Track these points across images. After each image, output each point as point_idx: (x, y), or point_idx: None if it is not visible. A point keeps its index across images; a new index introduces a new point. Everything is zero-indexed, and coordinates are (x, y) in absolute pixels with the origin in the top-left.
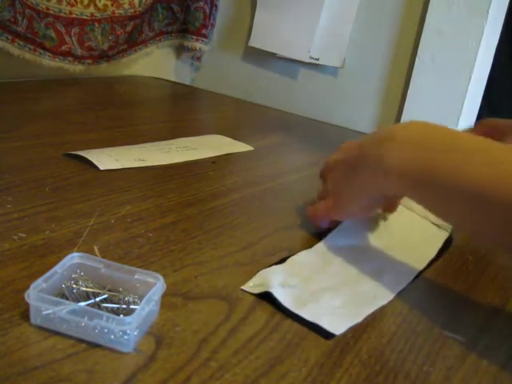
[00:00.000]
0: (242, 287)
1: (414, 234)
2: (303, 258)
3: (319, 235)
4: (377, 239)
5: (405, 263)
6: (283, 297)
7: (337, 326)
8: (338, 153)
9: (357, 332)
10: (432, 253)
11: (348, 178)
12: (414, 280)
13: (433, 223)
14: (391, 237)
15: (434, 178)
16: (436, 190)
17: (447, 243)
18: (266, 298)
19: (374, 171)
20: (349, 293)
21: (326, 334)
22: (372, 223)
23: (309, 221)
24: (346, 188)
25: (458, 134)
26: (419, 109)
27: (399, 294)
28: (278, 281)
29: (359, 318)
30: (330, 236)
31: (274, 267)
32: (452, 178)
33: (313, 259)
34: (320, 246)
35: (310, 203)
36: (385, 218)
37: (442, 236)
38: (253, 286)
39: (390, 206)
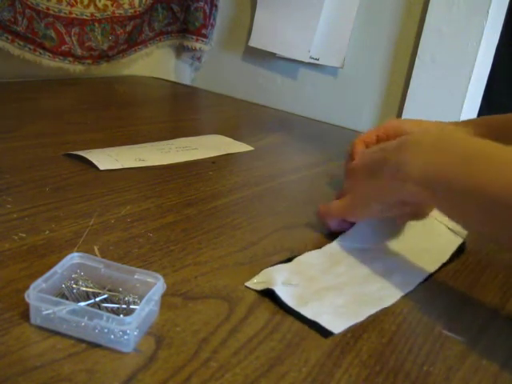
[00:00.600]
0: (246, 284)
1: (428, 238)
2: (310, 258)
3: (320, 235)
4: (390, 242)
5: (414, 266)
6: (285, 295)
7: (336, 324)
8: (361, 157)
9: (357, 332)
10: (443, 258)
11: (367, 181)
12: (422, 282)
13: (449, 228)
14: (405, 240)
15: (452, 186)
16: (453, 197)
17: (460, 249)
18: (269, 295)
19: (393, 176)
20: (353, 293)
21: (325, 332)
22: (386, 227)
23: (309, 221)
24: (363, 190)
25: (473, 140)
26: (419, 109)
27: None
28: (282, 279)
29: (360, 318)
30: (341, 237)
31: (279, 266)
32: (468, 184)
33: (320, 260)
34: (330, 247)
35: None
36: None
37: (457, 242)
38: (256, 282)
39: (418, 214)
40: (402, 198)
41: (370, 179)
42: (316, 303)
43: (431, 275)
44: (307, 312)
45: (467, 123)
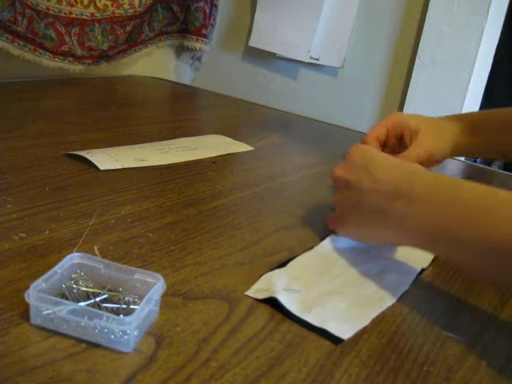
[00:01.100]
0: (246, 292)
1: None
2: (305, 260)
3: (320, 235)
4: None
5: (407, 263)
6: (289, 302)
7: (344, 330)
8: (343, 166)
9: (357, 332)
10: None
11: (356, 213)
12: (416, 279)
13: None
14: None
15: (450, 236)
16: (451, 246)
17: None
18: (271, 303)
19: (389, 227)
20: (353, 296)
21: (335, 340)
22: None
23: (308, 221)
24: (355, 224)
25: (466, 186)
26: (419, 109)
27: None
28: (282, 285)
29: (366, 322)
30: (332, 237)
31: (276, 271)
32: (467, 234)
33: (314, 262)
34: (322, 247)
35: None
36: None
37: None
38: (257, 291)
39: None
40: (398, 245)
41: (361, 213)
42: (319, 309)
43: (422, 271)
44: (313, 320)
45: (459, 118)
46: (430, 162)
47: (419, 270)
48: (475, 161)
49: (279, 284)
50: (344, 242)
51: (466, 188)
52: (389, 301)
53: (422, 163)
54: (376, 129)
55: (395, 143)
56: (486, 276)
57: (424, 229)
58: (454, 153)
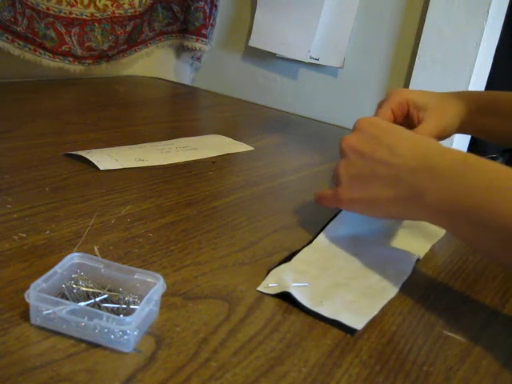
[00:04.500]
0: (258, 288)
1: (412, 223)
2: (307, 256)
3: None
4: (377, 227)
5: (404, 251)
6: (300, 296)
7: (356, 321)
8: (355, 135)
9: (357, 332)
10: (429, 244)
11: (368, 185)
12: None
13: None
14: (392, 223)
15: (471, 215)
16: (471, 226)
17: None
18: (283, 296)
19: (406, 201)
20: (358, 287)
21: (349, 330)
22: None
23: (308, 221)
24: (365, 196)
25: (490, 167)
26: None
27: (400, 293)
28: (291, 280)
29: (374, 312)
30: (330, 226)
31: (283, 266)
32: (488, 213)
33: (316, 256)
34: (322, 239)
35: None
36: None
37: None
38: (269, 286)
39: None
40: (413, 220)
41: (372, 184)
42: (330, 301)
43: (418, 261)
44: (325, 311)
45: (463, 97)
46: (439, 138)
47: (416, 258)
48: None
49: (288, 279)
50: (344, 230)
51: (490, 167)
52: (392, 291)
53: None
54: (381, 113)
55: (403, 123)
56: (504, 260)
57: (443, 205)
58: (461, 129)
